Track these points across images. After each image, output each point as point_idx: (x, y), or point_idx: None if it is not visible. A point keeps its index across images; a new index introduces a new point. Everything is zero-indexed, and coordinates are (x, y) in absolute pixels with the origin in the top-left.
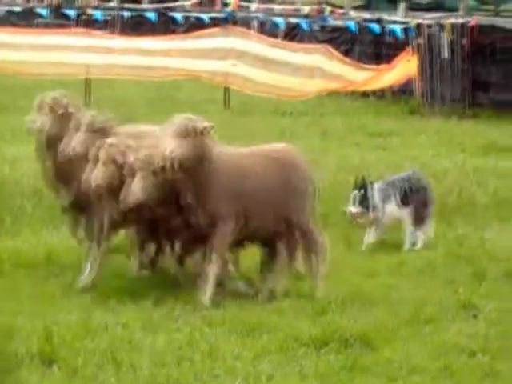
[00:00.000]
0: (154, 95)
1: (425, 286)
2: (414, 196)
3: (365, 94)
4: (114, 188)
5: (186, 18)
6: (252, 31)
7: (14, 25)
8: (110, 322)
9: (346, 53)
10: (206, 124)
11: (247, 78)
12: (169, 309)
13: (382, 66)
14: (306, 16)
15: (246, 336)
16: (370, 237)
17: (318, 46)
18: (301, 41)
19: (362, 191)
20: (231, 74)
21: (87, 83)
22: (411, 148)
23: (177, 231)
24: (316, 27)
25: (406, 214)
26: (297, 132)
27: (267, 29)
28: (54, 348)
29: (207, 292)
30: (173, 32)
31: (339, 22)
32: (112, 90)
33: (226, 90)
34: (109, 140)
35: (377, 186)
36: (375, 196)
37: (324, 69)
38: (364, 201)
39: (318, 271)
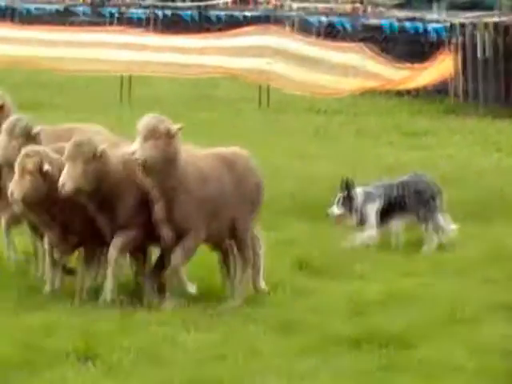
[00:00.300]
0: (191, 93)
1: (462, 286)
2: (407, 200)
3: (399, 93)
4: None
5: (222, 16)
6: (288, 29)
7: (50, 23)
8: (148, 318)
9: (383, 51)
10: (175, 126)
11: (283, 76)
12: (206, 306)
13: (418, 65)
14: (343, 14)
15: (283, 334)
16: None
17: (354, 44)
18: (337, 39)
19: (346, 193)
20: (267, 71)
21: (123, 81)
22: (446, 147)
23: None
24: (352, 26)
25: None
26: (331, 130)
27: (303, 27)
28: (93, 344)
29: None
30: (208, 30)
31: (376, 21)
32: (148, 87)
33: (262, 88)
34: (24, 150)
35: (362, 189)
36: (359, 198)
37: (359, 67)
38: (347, 203)
39: (237, 285)
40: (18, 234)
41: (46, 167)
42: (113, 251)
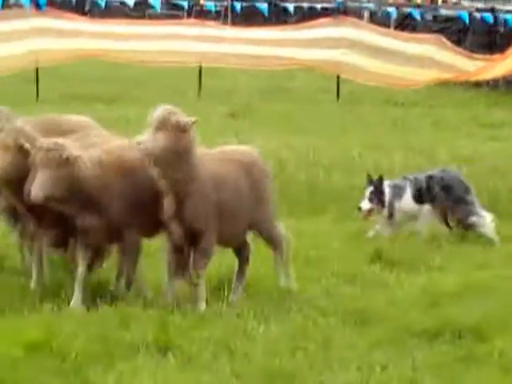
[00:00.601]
0: (267, 85)
1: None
2: (436, 194)
3: (477, 84)
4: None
5: (298, 8)
6: (363, 21)
7: (126, 16)
8: (224, 311)
9: (459, 42)
10: (189, 119)
11: (359, 67)
12: (281, 298)
13: (495, 56)
14: (419, 6)
15: (359, 326)
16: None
17: (431, 35)
18: (413, 31)
19: (375, 188)
20: (342, 63)
21: (199, 73)
22: None
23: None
24: (428, 17)
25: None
26: (408, 122)
27: (379, 18)
28: (170, 336)
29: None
30: (284, 22)
31: (452, 12)
32: (224, 79)
33: (338, 79)
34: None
35: (389, 182)
36: (387, 192)
37: (435, 59)
38: (377, 197)
39: (285, 268)
40: None
41: (26, 145)
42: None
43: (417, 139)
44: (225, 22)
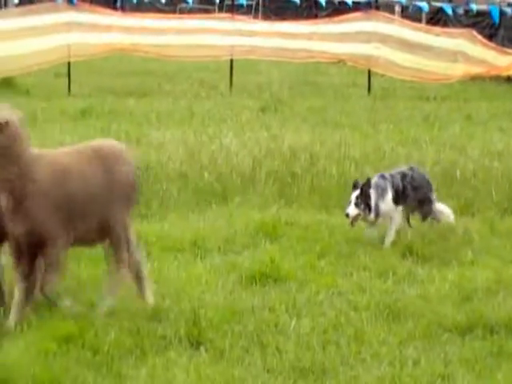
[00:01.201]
0: (298, 80)
1: None
2: (409, 194)
3: (509, 79)
4: None
5: (329, 2)
6: (395, 15)
7: (158, 11)
8: (255, 305)
9: (490, 37)
10: (8, 117)
11: (391, 62)
12: (313, 292)
13: None
14: (450, 0)
15: (391, 321)
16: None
17: (462, 30)
18: (444, 25)
19: (361, 192)
20: (374, 57)
21: (231, 68)
22: None
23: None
24: (460, 11)
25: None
26: (440, 117)
27: (410, 13)
28: (202, 330)
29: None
30: (316, 16)
31: (483, 7)
32: (256, 74)
33: (369, 74)
34: None
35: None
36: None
37: (467, 53)
38: (363, 202)
39: (115, 284)
40: None
41: None
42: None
43: (449, 134)
44: (256, 16)
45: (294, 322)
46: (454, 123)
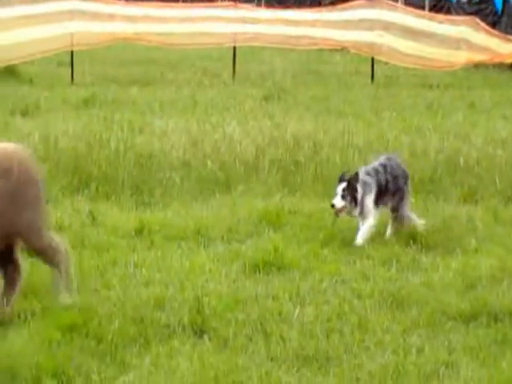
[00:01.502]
0: (301, 68)
1: None
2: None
3: None
4: None
5: None
6: (398, 3)
7: None
8: (259, 293)
9: (493, 25)
10: None
11: (394, 49)
12: (316, 281)
13: None
14: None
15: (395, 309)
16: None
17: (465, 17)
18: (448, 12)
19: (348, 185)
20: (378, 44)
21: (234, 56)
22: None
23: None
24: None
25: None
26: (444, 105)
27: (413, 0)
28: (205, 319)
29: None
30: (319, 4)
31: None
32: (258, 63)
33: (372, 62)
34: None
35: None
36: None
37: (470, 41)
38: (350, 194)
39: (64, 282)
40: None
41: None
42: None
43: (452, 122)
44: (259, 4)
45: (297, 311)
46: (458, 111)
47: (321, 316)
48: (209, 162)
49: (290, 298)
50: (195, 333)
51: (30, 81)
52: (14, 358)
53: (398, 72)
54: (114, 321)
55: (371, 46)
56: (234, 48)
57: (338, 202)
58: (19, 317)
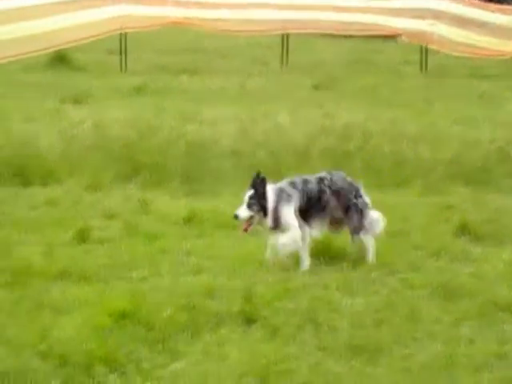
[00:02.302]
0: (352, 57)
1: None
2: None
3: None
4: None
5: None
6: None
7: None
8: (308, 282)
9: None
10: None
11: (445, 38)
12: (366, 271)
13: None
14: None
15: (445, 299)
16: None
17: None
18: (499, 1)
19: (256, 192)
20: (429, 33)
21: (283, 45)
22: None
23: None
24: None
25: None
26: (495, 95)
27: None
28: (255, 307)
29: None
30: None
31: None
32: (310, 52)
33: (423, 51)
34: None
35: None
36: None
37: None
38: (258, 203)
39: None
40: None
41: None
42: None
43: (503, 111)
44: None
45: (347, 300)
46: (509, 101)
47: (370, 306)
48: (259, 151)
49: (340, 288)
50: (245, 321)
51: (81, 68)
52: (66, 345)
53: (448, 61)
54: (165, 308)
55: (422, 34)
56: (283, 36)
57: (243, 211)
58: (71, 304)
